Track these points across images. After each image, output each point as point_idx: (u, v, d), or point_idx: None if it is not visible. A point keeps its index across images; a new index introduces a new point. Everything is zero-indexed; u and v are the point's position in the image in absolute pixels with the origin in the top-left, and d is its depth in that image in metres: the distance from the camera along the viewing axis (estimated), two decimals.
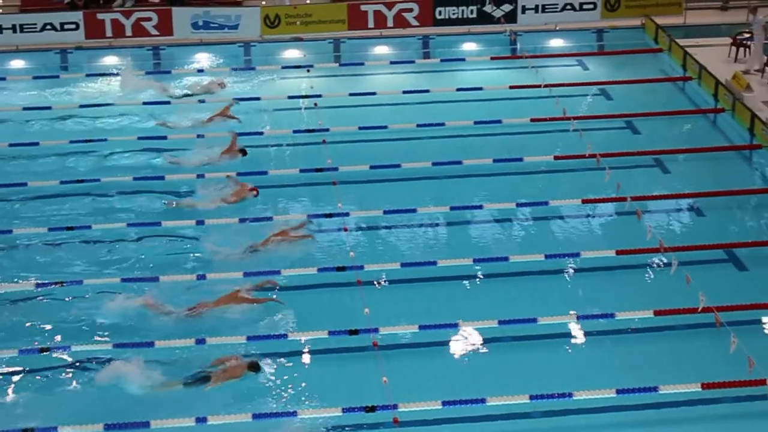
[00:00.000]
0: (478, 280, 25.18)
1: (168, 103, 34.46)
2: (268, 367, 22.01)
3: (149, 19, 39.72)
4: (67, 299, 24.38)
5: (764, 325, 23.44)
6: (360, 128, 32.65)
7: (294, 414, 20.64)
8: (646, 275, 25.36)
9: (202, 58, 39.15)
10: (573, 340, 23.06)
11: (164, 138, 31.98)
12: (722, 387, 21.05)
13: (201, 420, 20.43)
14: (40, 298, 24.57)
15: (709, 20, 40.08)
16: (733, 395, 21.01)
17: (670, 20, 40.22)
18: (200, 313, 23.49)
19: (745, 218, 28.12)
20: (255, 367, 21.89)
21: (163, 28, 39.72)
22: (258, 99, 34.88)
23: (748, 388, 20.79)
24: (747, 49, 37.18)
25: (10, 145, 31.63)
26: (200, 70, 37.70)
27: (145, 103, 34.59)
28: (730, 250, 26.09)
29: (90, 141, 31.87)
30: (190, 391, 21.27)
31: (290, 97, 35.04)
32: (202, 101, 34.51)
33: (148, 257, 26.09)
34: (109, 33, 39.64)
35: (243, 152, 30.90)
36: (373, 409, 20.57)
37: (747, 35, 37.54)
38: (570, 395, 20.91)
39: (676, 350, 22.69)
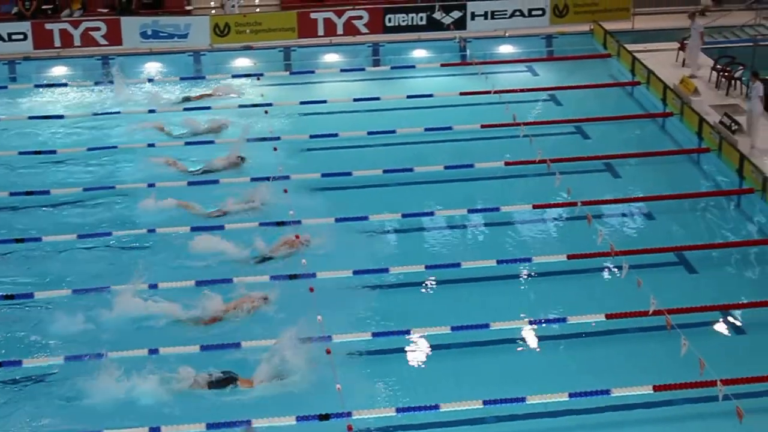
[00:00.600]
0: (430, 286, 25.21)
1: (118, 113, 34.30)
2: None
3: (98, 29, 39.56)
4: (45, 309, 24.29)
5: (714, 327, 23.61)
6: (311, 136, 32.64)
7: (248, 423, 20.53)
8: (598, 279, 25.49)
9: (152, 68, 39.04)
10: (526, 345, 23.11)
11: (114, 147, 31.82)
12: (674, 389, 21.18)
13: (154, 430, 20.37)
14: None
15: (657, 25, 40.38)
16: (685, 397, 21.13)
17: (618, 25, 40.52)
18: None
19: (695, 221, 28.32)
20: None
21: (112, 37, 39.56)
22: (208, 108, 34.78)
23: (699, 389, 20.90)
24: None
25: None
26: (150, 80, 37.55)
27: (95, 114, 34.43)
28: (680, 253, 26.27)
29: (39, 153, 31.65)
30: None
31: (241, 106, 34.95)
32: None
33: (99, 268, 25.93)
34: (57, 43, 39.49)
35: (241, 159, 31.07)
36: (327, 417, 20.53)
37: None
38: (523, 400, 20.95)
39: (628, 353, 22.81)
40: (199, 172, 30.46)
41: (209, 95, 35.78)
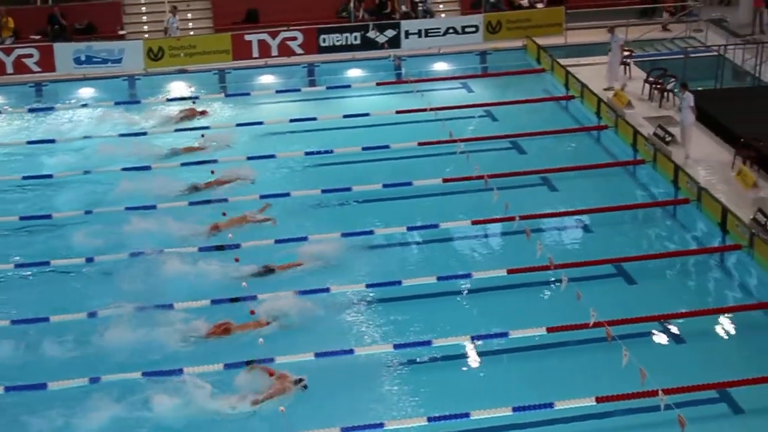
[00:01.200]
0: (371, 305, 25.19)
1: (53, 141, 34.08)
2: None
3: (30, 56, 39.29)
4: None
5: (654, 337, 23.79)
6: (248, 158, 32.55)
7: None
8: (538, 293, 25.59)
9: (86, 93, 38.80)
10: (468, 361, 23.14)
11: (50, 176, 31.60)
12: (616, 400, 21.31)
13: None
14: None
15: (589, 39, 40.74)
16: (627, 407, 21.26)
17: (551, 40, 40.83)
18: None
19: (632, 233, 28.57)
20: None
21: (45, 64, 39.29)
22: (144, 133, 34.61)
23: (641, 399, 21.04)
24: (627, 67, 37.87)
25: None
26: (84, 105, 37.35)
27: (29, 143, 34.19)
28: (618, 265, 26.45)
29: None
30: None
31: (177, 130, 34.82)
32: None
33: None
34: None
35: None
36: None
37: (627, 53, 38.25)
38: (467, 415, 20.99)
39: (570, 366, 22.92)
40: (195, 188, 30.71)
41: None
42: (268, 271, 26.27)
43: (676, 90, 33.76)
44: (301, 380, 22.05)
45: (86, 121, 35.57)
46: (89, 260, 27.08)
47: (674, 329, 23.98)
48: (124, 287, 25.66)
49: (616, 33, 36.35)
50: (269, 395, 21.68)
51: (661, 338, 23.79)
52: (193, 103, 36.89)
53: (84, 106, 37.32)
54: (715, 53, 37.57)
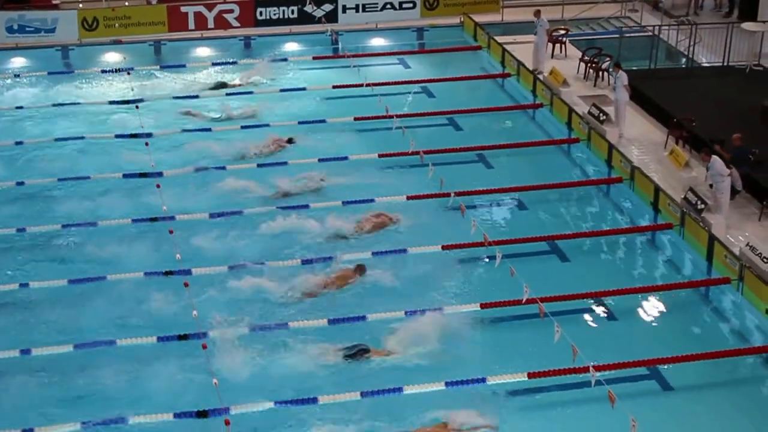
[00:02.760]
0: (305, 278, 25.13)
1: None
2: None
3: None
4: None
5: (586, 314, 24.00)
6: (183, 131, 32.37)
7: (123, 420, 20.35)
8: (472, 269, 25.71)
9: (19, 63, 38.34)
10: (401, 336, 23.17)
11: None
12: (548, 375, 21.50)
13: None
14: None
15: (526, 17, 40.83)
16: (559, 383, 21.46)
17: (488, 18, 40.93)
18: None
19: (566, 210, 28.78)
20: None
21: None
22: (78, 103, 34.30)
23: (572, 375, 21.24)
24: (563, 45, 38.07)
25: None
26: (17, 75, 36.92)
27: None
28: (552, 242, 26.65)
29: None
30: None
31: (111, 102, 34.53)
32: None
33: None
34: None
35: (290, 141, 31.54)
36: (204, 413, 20.41)
37: (562, 31, 38.46)
38: (400, 390, 21.07)
39: (503, 341, 23.07)
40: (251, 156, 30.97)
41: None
42: None
43: (610, 69, 33.98)
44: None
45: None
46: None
47: (606, 307, 24.20)
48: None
49: (542, 17, 36.43)
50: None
51: (593, 315, 24.01)
52: (128, 74, 36.54)
53: (16, 76, 36.85)
54: (650, 33, 37.86)
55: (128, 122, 32.93)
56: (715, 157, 27.17)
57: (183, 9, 39.95)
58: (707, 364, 22.02)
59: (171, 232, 25.80)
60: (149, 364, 22.00)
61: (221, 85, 35.92)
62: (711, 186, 27.47)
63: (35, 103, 34.54)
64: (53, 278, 24.89)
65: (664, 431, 20.39)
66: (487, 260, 25.64)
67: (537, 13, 36.57)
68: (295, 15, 40.67)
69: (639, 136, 31.91)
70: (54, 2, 41.38)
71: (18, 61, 38.53)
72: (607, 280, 25.00)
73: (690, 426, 20.71)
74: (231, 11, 40.22)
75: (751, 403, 21.38)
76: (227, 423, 19.05)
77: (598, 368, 20.45)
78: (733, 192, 27.37)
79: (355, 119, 33.02)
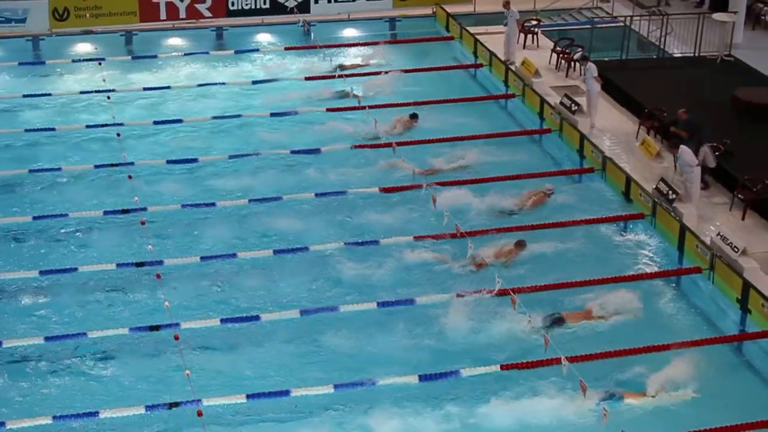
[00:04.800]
0: (277, 270, 25.15)
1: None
2: None
3: None
4: None
5: (550, 302, 23.94)
6: (155, 122, 32.28)
7: (96, 414, 20.30)
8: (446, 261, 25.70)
9: None
10: (371, 328, 23.19)
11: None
12: (520, 367, 21.55)
13: None
14: None
15: (498, 8, 40.79)
16: (531, 374, 21.49)
17: (460, 8, 40.95)
18: None
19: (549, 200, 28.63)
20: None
21: None
22: (49, 94, 34.14)
23: (545, 367, 21.30)
24: (535, 36, 38.13)
25: None
26: None
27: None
28: (525, 232, 26.61)
29: None
30: None
31: (82, 92, 34.38)
32: None
33: None
34: None
35: (414, 117, 31.97)
36: (176, 404, 20.39)
37: (534, 22, 38.52)
38: (373, 383, 21.08)
39: (475, 332, 23.05)
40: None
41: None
42: None
43: (580, 62, 34.13)
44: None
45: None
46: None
47: (578, 297, 24.20)
48: None
49: (512, 8, 36.45)
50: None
51: (567, 305, 23.96)
52: (100, 64, 36.35)
53: None
54: (622, 24, 37.95)
55: (99, 112, 32.81)
56: (683, 148, 27.29)
57: None
58: (678, 353, 22.08)
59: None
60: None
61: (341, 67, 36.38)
62: (675, 169, 27.69)
63: (5, 93, 34.33)
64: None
65: (636, 421, 20.45)
66: (458, 253, 25.53)
67: (506, 5, 36.59)
68: (267, 5, 40.53)
69: (610, 126, 32.00)
70: None
71: None
72: (578, 270, 25.05)
73: (662, 416, 20.78)
74: (203, 1, 40.05)
75: (722, 391, 21.45)
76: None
77: (570, 359, 20.53)
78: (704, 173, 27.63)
79: (327, 110, 32.97)
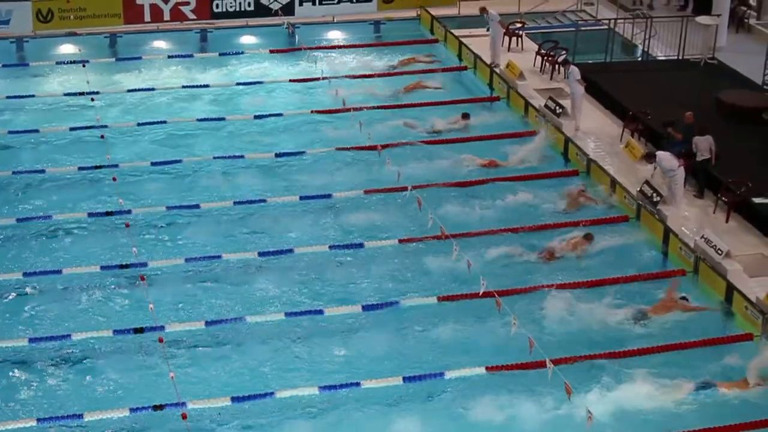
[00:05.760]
0: (262, 272, 25.13)
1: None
2: None
3: None
4: None
5: (542, 306, 23.96)
6: (139, 124, 32.21)
7: (80, 417, 20.25)
8: (430, 262, 25.66)
9: None
10: (356, 330, 23.19)
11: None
12: (506, 369, 21.61)
13: None
14: None
15: None
16: (517, 376, 21.52)
17: (444, 11, 40.95)
18: None
19: (522, 203, 28.53)
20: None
21: None
22: (32, 96, 34.04)
23: (530, 370, 21.32)
24: (519, 39, 38.17)
25: None
26: None
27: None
28: (508, 235, 26.69)
29: None
30: None
31: (66, 94, 34.29)
32: None
33: None
34: None
35: (466, 116, 32.31)
36: (161, 407, 20.35)
37: (519, 25, 38.54)
38: (358, 384, 21.10)
39: (461, 335, 23.06)
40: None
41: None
42: None
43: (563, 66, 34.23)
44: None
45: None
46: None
47: (563, 300, 24.20)
48: None
49: (491, 11, 36.45)
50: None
51: (551, 308, 23.97)
52: (84, 66, 36.22)
53: None
54: (606, 27, 38.01)
55: (83, 114, 32.73)
56: (659, 155, 27.38)
57: (138, 1, 39.66)
58: (662, 356, 22.15)
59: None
60: None
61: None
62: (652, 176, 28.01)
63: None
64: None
65: (620, 423, 20.50)
66: (444, 253, 25.54)
67: (483, 9, 36.68)
68: (252, 7, 40.47)
69: (595, 129, 32.05)
70: None
71: None
72: (563, 273, 25.10)
73: (645, 419, 20.83)
74: (187, 3, 39.98)
75: (703, 395, 21.50)
76: None
77: (555, 362, 20.55)
78: (704, 171, 27.85)
79: (312, 112, 32.96)
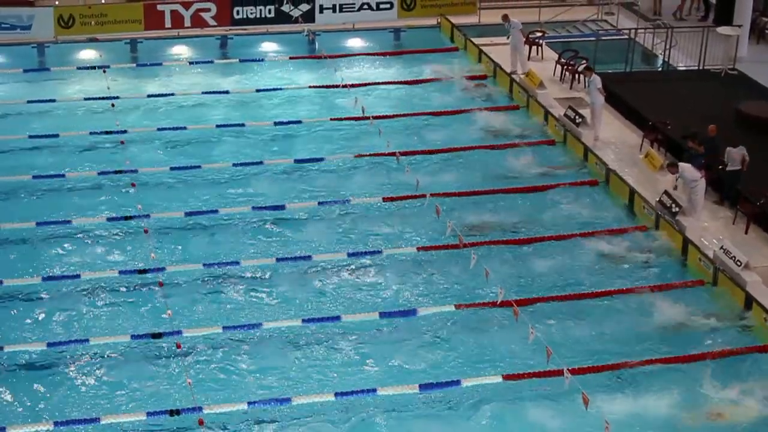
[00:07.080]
0: (279, 278, 25.14)
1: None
2: None
3: None
4: None
5: (558, 315, 23.88)
6: (158, 129, 32.28)
7: (97, 420, 20.29)
8: (447, 270, 25.62)
9: None
10: (375, 336, 23.18)
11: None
12: (523, 378, 21.58)
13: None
14: None
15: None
16: (534, 384, 21.49)
17: (464, 19, 40.96)
18: None
19: (540, 212, 28.48)
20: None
21: None
22: (53, 101, 34.17)
23: (547, 378, 21.28)
24: (539, 47, 38.14)
25: None
26: None
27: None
28: (528, 244, 26.63)
29: None
30: None
31: (87, 99, 34.39)
32: None
33: None
34: None
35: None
36: (177, 412, 20.37)
37: (539, 34, 38.53)
38: (374, 391, 21.09)
39: (478, 343, 23.03)
40: None
41: None
42: None
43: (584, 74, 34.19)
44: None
45: None
46: None
47: (582, 308, 24.14)
48: None
49: (512, 19, 36.48)
50: None
51: (569, 317, 23.91)
52: (104, 71, 36.34)
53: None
54: (626, 36, 37.97)
55: (103, 119, 32.82)
56: (682, 166, 27.31)
57: (159, 7, 39.80)
58: (680, 367, 22.08)
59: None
60: None
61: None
62: (675, 188, 27.94)
63: (10, 99, 34.36)
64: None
65: None
66: (462, 261, 25.52)
67: (505, 17, 36.68)
68: (272, 14, 40.57)
69: (614, 138, 32.00)
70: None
71: None
72: (583, 281, 25.08)
73: (662, 429, 20.78)
74: (208, 10, 40.10)
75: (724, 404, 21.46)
76: None
77: (573, 371, 20.49)
78: (734, 182, 27.91)
79: (331, 119, 32.99)
